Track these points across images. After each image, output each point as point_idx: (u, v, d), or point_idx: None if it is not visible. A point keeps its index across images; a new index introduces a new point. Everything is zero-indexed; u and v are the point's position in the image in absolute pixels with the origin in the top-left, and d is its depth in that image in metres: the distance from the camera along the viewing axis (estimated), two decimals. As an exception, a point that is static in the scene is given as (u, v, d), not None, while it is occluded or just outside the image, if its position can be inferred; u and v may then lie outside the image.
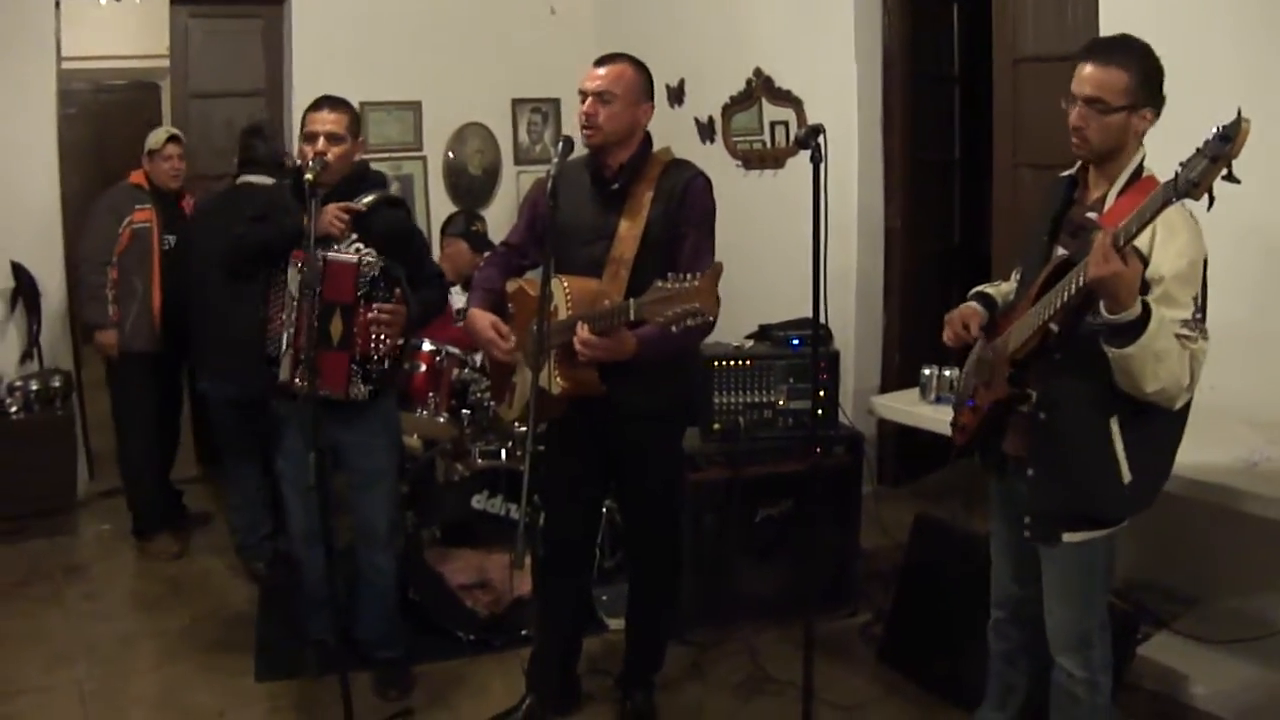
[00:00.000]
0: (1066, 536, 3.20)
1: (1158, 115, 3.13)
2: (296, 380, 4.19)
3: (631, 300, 3.48)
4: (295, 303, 4.16)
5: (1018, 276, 3.59)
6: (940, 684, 4.46)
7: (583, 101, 3.88)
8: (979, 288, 3.72)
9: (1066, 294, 2.97)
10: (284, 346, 4.20)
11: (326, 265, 4.03)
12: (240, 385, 5.28)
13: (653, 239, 3.82)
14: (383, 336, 4.18)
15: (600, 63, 3.91)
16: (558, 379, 3.77)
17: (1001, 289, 3.68)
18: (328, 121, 4.25)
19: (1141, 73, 3.07)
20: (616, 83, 3.84)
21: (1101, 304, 2.85)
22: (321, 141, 4.21)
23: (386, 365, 4.25)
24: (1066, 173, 3.37)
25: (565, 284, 3.76)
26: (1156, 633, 4.53)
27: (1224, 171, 2.53)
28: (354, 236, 4.24)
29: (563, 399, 3.82)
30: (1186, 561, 4.78)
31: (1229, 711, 4.15)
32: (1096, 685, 3.33)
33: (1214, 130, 2.52)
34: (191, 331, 5.80)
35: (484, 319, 4.04)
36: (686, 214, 3.87)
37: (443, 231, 6.79)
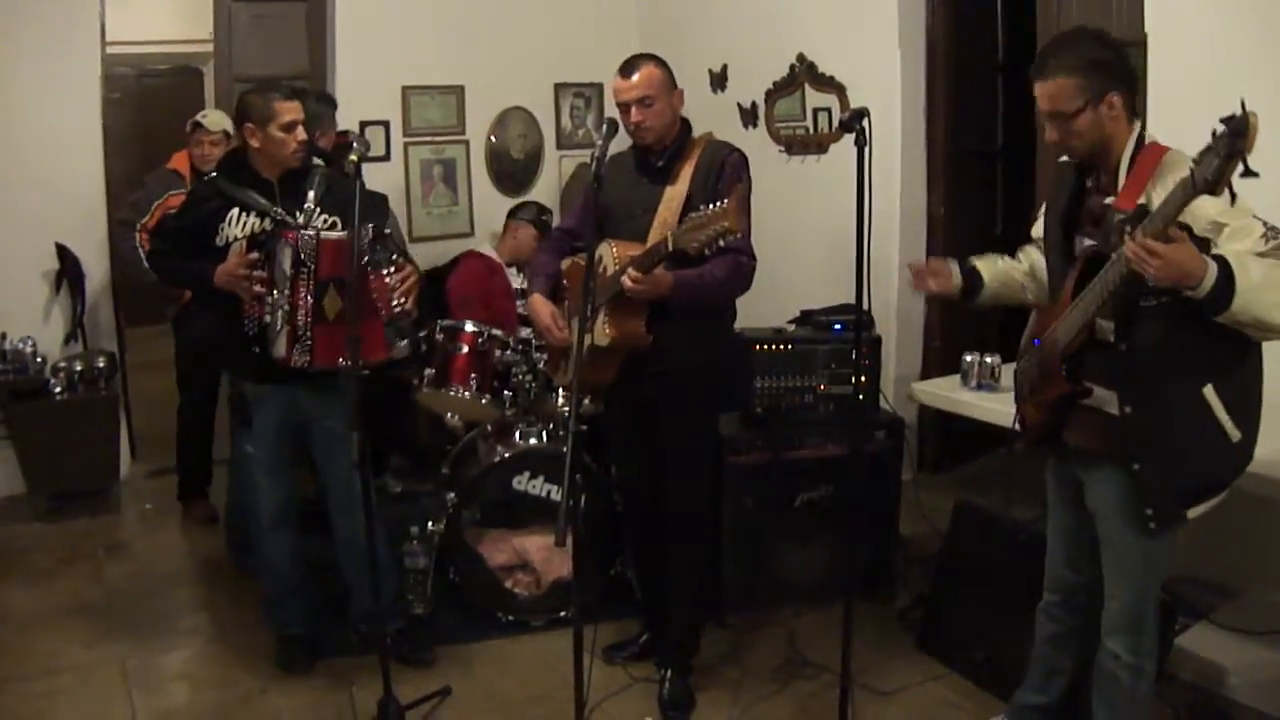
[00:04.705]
0: (1192, 513, 3.18)
1: (1129, 91, 3.12)
2: (295, 358, 4.22)
3: (669, 233, 3.76)
4: (289, 280, 4.18)
5: (1024, 258, 3.64)
6: (978, 671, 4.46)
7: (624, 110, 4.11)
8: (973, 259, 3.74)
9: (1105, 290, 2.99)
10: (278, 325, 4.21)
11: (320, 244, 4.16)
12: None
13: (694, 206, 3.93)
14: (404, 300, 4.23)
15: (628, 71, 4.11)
16: (607, 329, 4.01)
17: (998, 266, 3.71)
18: (294, 110, 4.34)
19: (1085, 67, 3.08)
20: (650, 85, 4.08)
21: (1187, 293, 2.81)
22: (301, 129, 4.33)
23: (414, 318, 4.35)
24: (1067, 158, 3.36)
25: (614, 247, 4.02)
26: (1195, 624, 4.51)
27: (1240, 169, 2.53)
28: (314, 209, 4.36)
29: (612, 352, 4.07)
30: (1225, 553, 4.74)
31: (1267, 704, 4.12)
32: (1141, 671, 3.33)
33: (1221, 126, 2.51)
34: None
35: (544, 307, 4.33)
36: (725, 184, 4.04)
37: (511, 215, 6.89)
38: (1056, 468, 3.57)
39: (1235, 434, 3.08)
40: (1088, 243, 3.22)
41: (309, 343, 4.19)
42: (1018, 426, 3.63)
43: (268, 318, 4.21)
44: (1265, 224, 2.92)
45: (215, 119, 6.21)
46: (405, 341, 4.36)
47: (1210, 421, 3.06)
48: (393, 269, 4.21)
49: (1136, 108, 3.16)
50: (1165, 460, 3.13)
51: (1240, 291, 2.77)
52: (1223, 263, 2.79)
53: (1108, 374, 3.18)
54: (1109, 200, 3.13)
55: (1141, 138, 3.14)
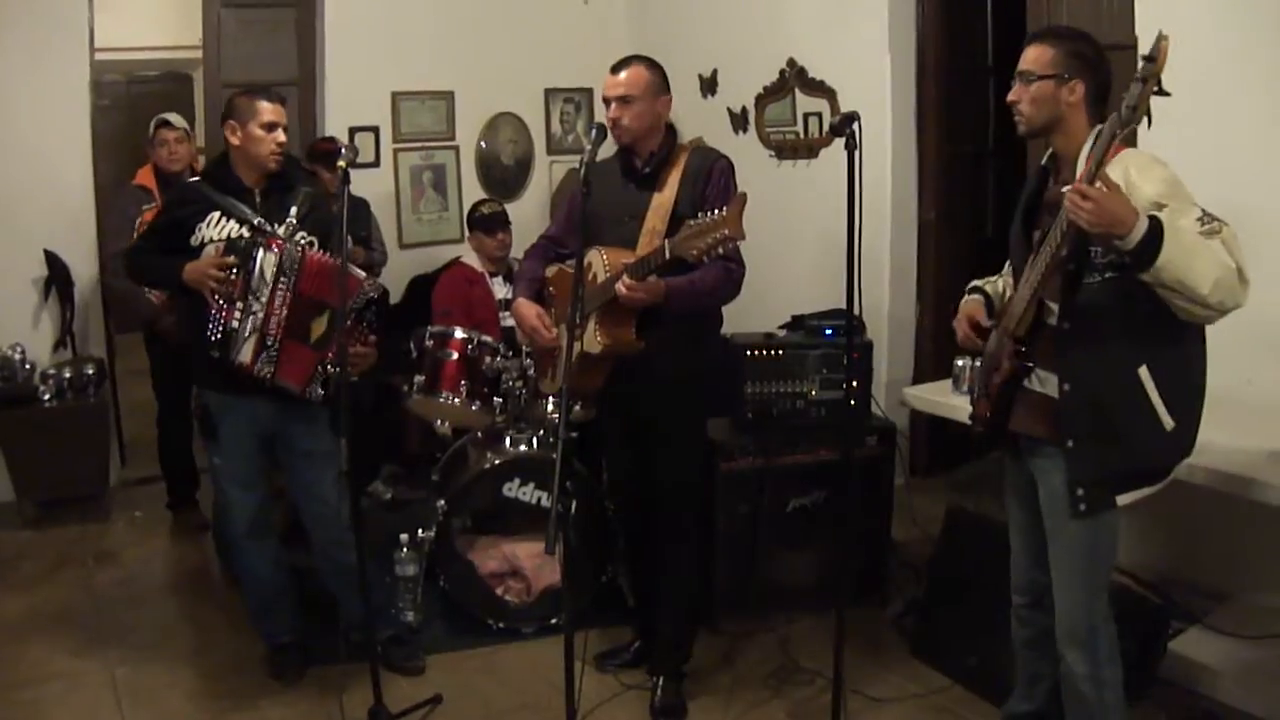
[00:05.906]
0: (1121, 499, 3.20)
1: (1097, 92, 3.18)
2: (258, 367, 4.20)
3: (666, 241, 3.80)
4: (268, 287, 4.19)
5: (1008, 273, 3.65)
6: (971, 676, 4.45)
7: (607, 107, 4.19)
8: (975, 283, 3.78)
9: (1049, 254, 3.05)
10: (246, 331, 4.19)
11: (305, 258, 4.21)
12: None
13: (681, 213, 4.00)
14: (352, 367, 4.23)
15: (617, 69, 4.19)
16: (599, 337, 4.05)
17: (999, 286, 3.73)
18: (277, 112, 4.34)
19: (1068, 49, 3.18)
20: (634, 85, 4.14)
21: (1115, 244, 2.87)
22: (282, 132, 4.34)
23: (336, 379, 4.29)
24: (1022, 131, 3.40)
25: (604, 254, 4.07)
26: (1188, 628, 4.50)
27: (1155, 88, 2.68)
28: (296, 225, 4.35)
29: (603, 359, 4.12)
30: (1219, 556, 4.74)
31: (1261, 708, 4.11)
32: (1102, 681, 3.33)
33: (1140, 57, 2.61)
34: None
35: (530, 309, 4.39)
36: (712, 190, 4.11)
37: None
38: (1012, 465, 3.59)
39: (1169, 421, 3.12)
40: (1039, 232, 3.26)
41: (275, 354, 4.19)
42: (970, 421, 3.65)
43: (235, 323, 4.19)
44: (1204, 211, 2.99)
45: (177, 118, 6.28)
46: (322, 392, 4.31)
47: (1144, 402, 3.11)
48: (365, 340, 4.30)
49: (1103, 115, 3.18)
50: (1097, 438, 3.16)
51: (1167, 246, 2.81)
52: (1155, 220, 2.84)
53: (1053, 356, 3.22)
54: (1065, 188, 3.15)
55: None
